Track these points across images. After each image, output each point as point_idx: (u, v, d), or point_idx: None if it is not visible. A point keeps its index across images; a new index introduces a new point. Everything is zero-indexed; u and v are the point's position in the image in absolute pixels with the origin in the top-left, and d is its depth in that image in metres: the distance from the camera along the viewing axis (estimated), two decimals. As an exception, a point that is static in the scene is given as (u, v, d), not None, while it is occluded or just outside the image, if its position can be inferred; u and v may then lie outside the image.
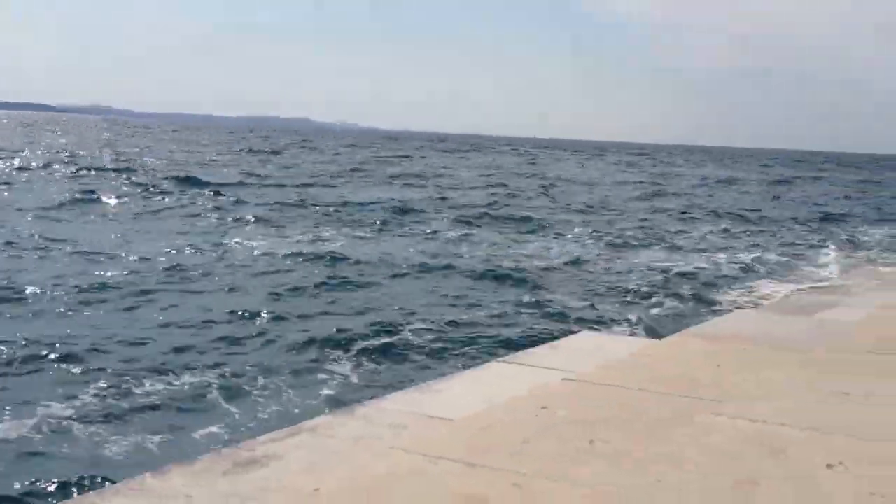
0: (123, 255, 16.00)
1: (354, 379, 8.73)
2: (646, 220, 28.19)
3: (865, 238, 24.77)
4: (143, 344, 9.67)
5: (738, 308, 10.94)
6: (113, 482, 3.88)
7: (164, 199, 26.99)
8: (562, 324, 11.71)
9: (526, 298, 13.68)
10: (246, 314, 11.51)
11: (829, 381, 4.45)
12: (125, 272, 14.10)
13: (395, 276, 15.37)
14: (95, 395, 7.70)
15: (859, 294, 9.20)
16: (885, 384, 4.41)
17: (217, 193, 28.90)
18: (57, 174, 34.30)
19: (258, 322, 11.18)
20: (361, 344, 10.09)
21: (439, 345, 10.24)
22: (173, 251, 16.70)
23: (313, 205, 27.08)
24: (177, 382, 8.28)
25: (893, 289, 9.12)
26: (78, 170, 35.89)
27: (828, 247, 22.29)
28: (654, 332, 10.11)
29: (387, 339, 10.48)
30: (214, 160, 50.77)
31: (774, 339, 6.41)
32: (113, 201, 25.13)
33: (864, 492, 3.02)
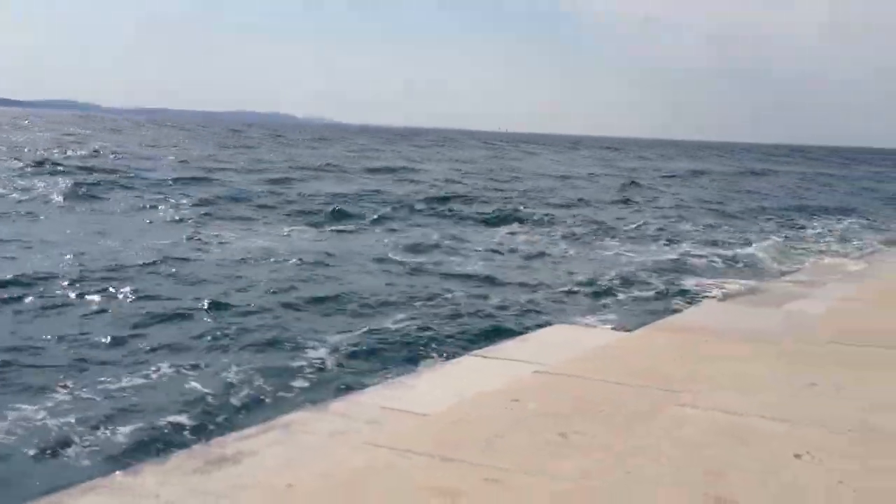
0: (87, 250, 15.85)
1: (328, 374, 8.71)
2: (616, 212, 28.42)
3: (819, 229, 25.11)
4: (116, 340, 9.59)
5: (706, 299, 11.04)
6: (83, 481, 3.84)
7: (125, 194, 26.70)
8: (533, 317, 11.77)
9: (497, 292, 13.73)
10: (219, 309, 11.46)
11: (795, 371, 4.51)
12: (89, 267, 13.97)
13: (366, 271, 15.36)
14: (68, 393, 7.64)
15: (822, 286, 9.32)
16: (849, 374, 4.48)
17: (182, 187, 28.72)
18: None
19: (231, 317, 11.12)
20: (335, 339, 10.08)
21: (412, 340, 10.25)
22: (142, 246, 16.56)
23: (288, 201, 27.02)
24: (149, 379, 8.23)
25: (854, 281, 9.24)
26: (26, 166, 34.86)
27: (785, 237, 22.68)
28: (624, 325, 10.19)
29: (361, 334, 10.48)
30: (177, 152, 50.51)
31: (742, 330, 6.48)
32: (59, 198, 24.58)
33: (832, 481, 3.07)
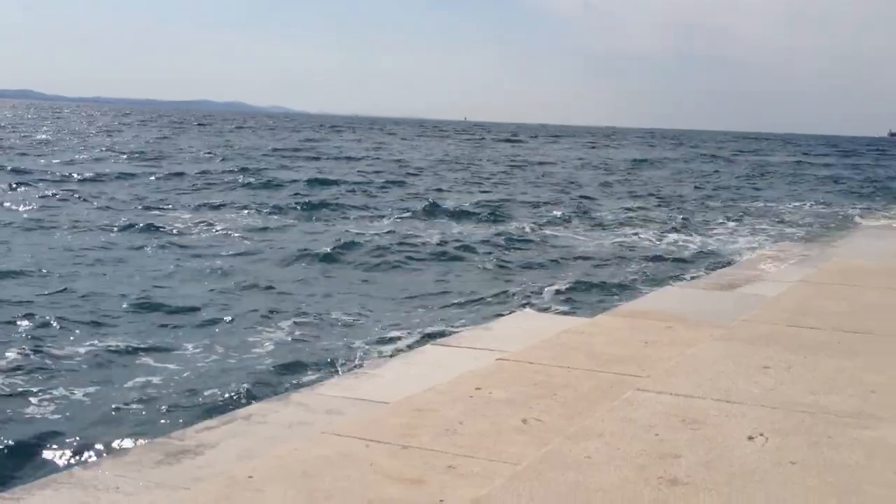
0: (38, 238, 15.70)
1: (288, 364, 8.68)
2: (574, 199, 28.61)
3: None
4: (71, 333, 9.48)
5: (664, 285, 11.16)
6: (42, 476, 3.82)
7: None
8: (496, 305, 11.81)
9: (459, 280, 13.77)
10: (178, 299, 11.38)
11: (749, 355, 4.58)
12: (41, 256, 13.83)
13: (333, 260, 15.32)
14: (25, 390, 7.55)
15: (778, 270, 9.47)
16: (802, 356, 4.56)
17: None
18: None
19: (189, 308, 11.04)
20: (299, 330, 10.05)
21: (376, 328, 10.24)
22: (101, 233, 16.44)
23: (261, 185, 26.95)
24: (107, 373, 8.15)
25: (808, 265, 9.39)
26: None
27: (741, 221, 23.05)
28: (585, 311, 10.27)
29: (326, 321, 10.46)
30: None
31: (699, 314, 6.58)
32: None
33: (783, 461, 3.13)
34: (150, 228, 17.80)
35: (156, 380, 7.96)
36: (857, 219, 21.96)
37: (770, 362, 4.41)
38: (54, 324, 9.74)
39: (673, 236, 19.94)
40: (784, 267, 9.65)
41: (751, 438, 3.34)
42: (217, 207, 22.37)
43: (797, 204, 29.09)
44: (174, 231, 17.81)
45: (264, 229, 18.92)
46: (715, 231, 21.25)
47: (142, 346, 9.07)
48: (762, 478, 2.97)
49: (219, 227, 18.57)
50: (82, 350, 8.84)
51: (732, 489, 2.87)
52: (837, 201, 30.63)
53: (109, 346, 9.02)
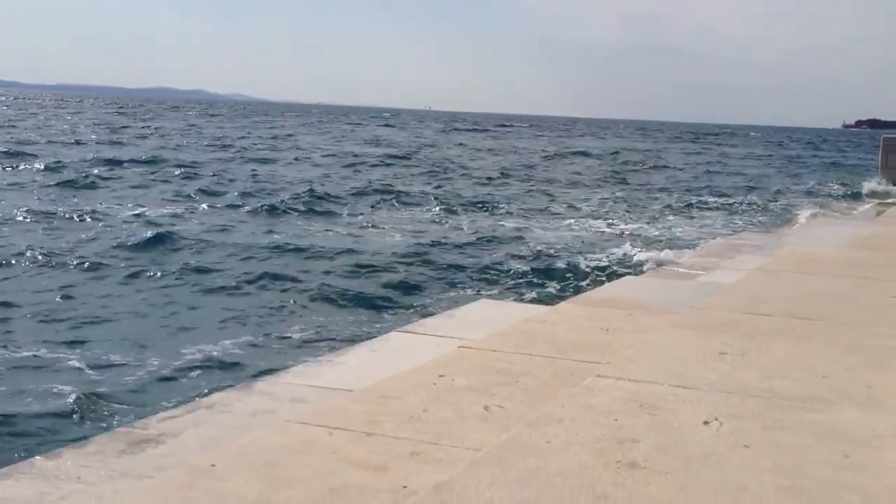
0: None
1: (251, 354, 8.68)
2: (526, 190, 28.80)
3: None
4: (27, 324, 9.39)
5: (624, 274, 11.30)
6: (4, 466, 3.81)
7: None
8: (458, 293, 11.88)
9: (424, 268, 13.81)
10: (140, 289, 11.30)
11: (707, 341, 4.68)
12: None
13: (294, 247, 15.28)
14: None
15: (733, 258, 9.62)
16: (756, 343, 4.67)
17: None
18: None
19: (153, 297, 10.98)
20: (259, 319, 10.03)
21: (340, 317, 10.26)
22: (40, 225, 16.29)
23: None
24: (68, 361, 8.10)
25: (764, 253, 9.56)
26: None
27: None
28: (546, 300, 10.36)
29: (287, 309, 10.45)
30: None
31: (658, 302, 6.68)
32: None
33: (738, 444, 3.21)
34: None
35: (117, 370, 7.92)
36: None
37: (726, 348, 4.51)
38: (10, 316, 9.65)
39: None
40: (740, 255, 9.81)
41: (706, 423, 3.43)
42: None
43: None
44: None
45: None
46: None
47: (103, 337, 9.01)
48: (717, 461, 3.05)
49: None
50: (36, 341, 8.77)
51: (689, 472, 2.95)
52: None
53: (66, 338, 8.95)
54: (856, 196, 25.45)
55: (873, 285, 6.44)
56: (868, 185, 25.15)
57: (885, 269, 7.24)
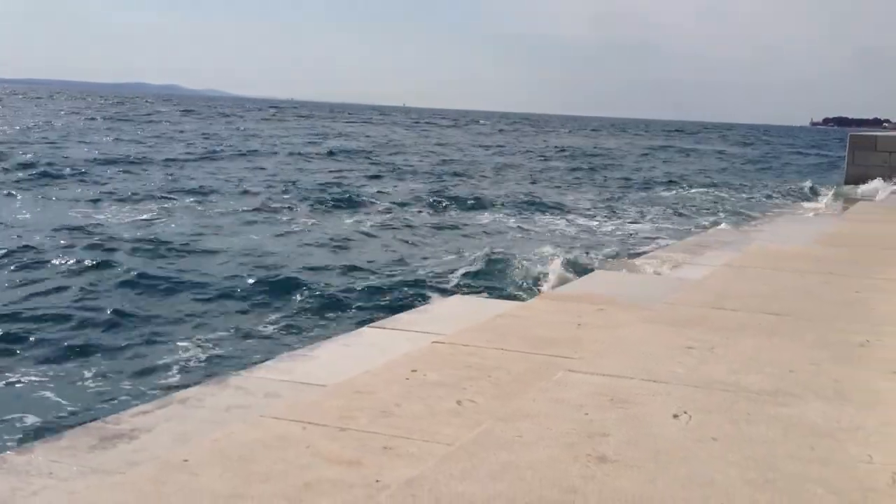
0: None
1: (226, 349, 8.66)
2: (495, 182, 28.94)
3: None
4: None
5: (595, 269, 11.40)
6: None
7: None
8: (431, 289, 11.90)
9: (396, 265, 13.82)
10: (114, 284, 11.23)
11: (676, 336, 4.74)
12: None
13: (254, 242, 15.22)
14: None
15: (703, 254, 9.73)
16: (724, 337, 4.73)
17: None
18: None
19: (126, 292, 10.91)
20: (234, 314, 10.01)
21: (308, 315, 10.25)
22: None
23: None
24: (39, 357, 8.04)
25: (732, 248, 9.67)
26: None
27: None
28: (519, 295, 10.42)
29: (254, 306, 10.42)
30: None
31: (629, 297, 6.75)
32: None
33: (706, 438, 3.27)
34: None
35: (90, 364, 7.87)
36: None
37: (694, 343, 4.57)
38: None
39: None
40: (710, 251, 9.93)
41: (675, 416, 3.48)
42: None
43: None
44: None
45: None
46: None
47: (73, 332, 8.95)
48: (686, 454, 3.10)
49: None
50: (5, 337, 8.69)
51: (658, 465, 3.00)
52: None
53: (34, 334, 8.88)
54: (822, 192, 25.79)
55: (838, 281, 6.54)
56: (834, 182, 25.47)
57: (849, 265, 7.36)
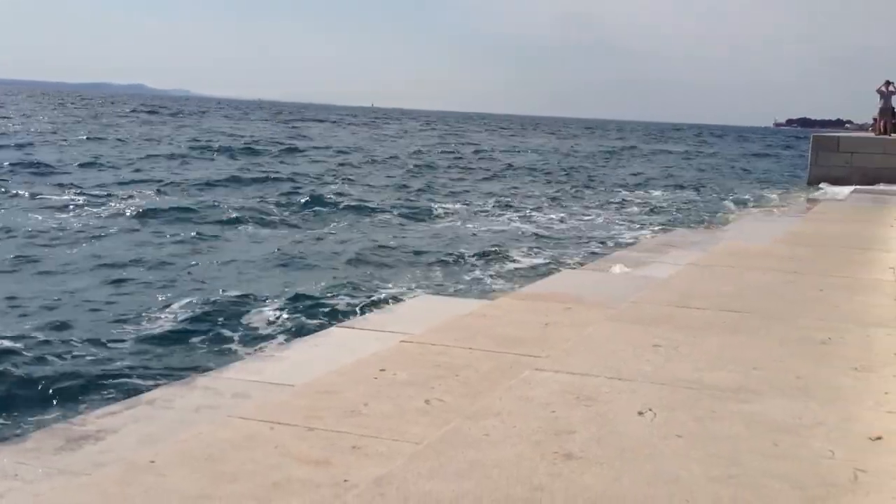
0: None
1: (197, 348, 8.60)
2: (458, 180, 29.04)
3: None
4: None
5: (562, 269, 11.45)
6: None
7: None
8: (398, 288, 11.90)
9: (360, 265, 13.80)
10: (80, 282, 11.12)
11: (642, 334, 4.79)
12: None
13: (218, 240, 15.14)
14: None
15: (669, 253, 9.83)
16: (689, 335, 4.79)
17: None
18: None
19: (92, 290, 10.80)
20: (204, 311, 9.94)
21: (277, 315, 10.21)
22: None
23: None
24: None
25: (698, 248, 9.78)
26: None
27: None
28: (486, 294, 10.45)
29: (228, 308, 10.36)
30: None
31: (596, 296, 6.80)
32: None
33: (670, 435, 3.31)
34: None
35: (53, 364, 7.79)
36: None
37: (660, 341, 4.62)
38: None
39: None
40: (675, 251, 10.03)
41: (640, 414, 3.52)
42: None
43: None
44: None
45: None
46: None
47: (33, 330, 8.86)
48: (651, 451, 3.14)
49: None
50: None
51: (623, 462, 3.04)
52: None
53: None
54: (786, 192, 26.12)
55: (801, 279, 6.64)
56: (796, 182, 25.81)
57: (812, 264, 7.47)
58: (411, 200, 23.65)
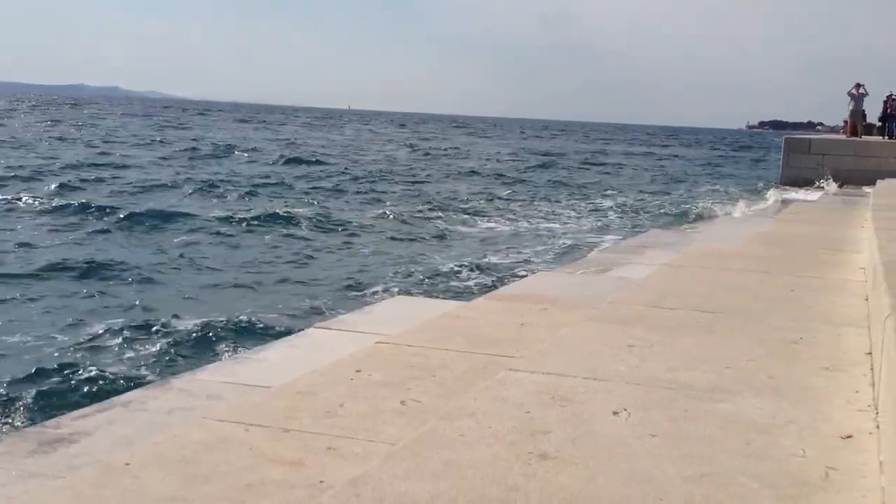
0: None
1: (169, 350, 8.56)
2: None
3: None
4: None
5: (538, 270, 11.48)
6: None
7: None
8: (374, 290, 11.89)
9: (341, 266, 13.77)
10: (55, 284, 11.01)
11: (617, 334, 4.81)
12: None
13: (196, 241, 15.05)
14: None
15: (645, 254, 9.89)
16: (664, 335, 4.82)
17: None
18: None
19: (65, 291, 10.71)
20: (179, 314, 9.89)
21: (253, 317, 10.17)
22: None
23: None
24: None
25: (673, 250, 9.84)
26: None
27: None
28: (462, 295, 10.47)
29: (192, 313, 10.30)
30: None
31: (572, 297, 6.83)
32: None
33: (645, 434, 3.33)
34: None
35: (25, 367, 7.72)
36: None
37: (635, 341, 4.65)
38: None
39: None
40: (650, 251, 10.08)
41: (615, 414, 3.54)
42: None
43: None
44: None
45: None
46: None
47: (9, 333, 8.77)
48: (626, 451, 3.16)
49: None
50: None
51: (598, 462, 3.05)
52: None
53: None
54: (760, 193, 26.36)
55: (774, 280, 6.70)
56: (771, 183, 26.08)
57: (784, 264, 7.53)
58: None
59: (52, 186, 23.47)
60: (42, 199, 20.62)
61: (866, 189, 18.57)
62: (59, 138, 44.75)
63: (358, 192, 28.29)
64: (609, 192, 31.07)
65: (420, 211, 22.95)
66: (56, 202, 20.54)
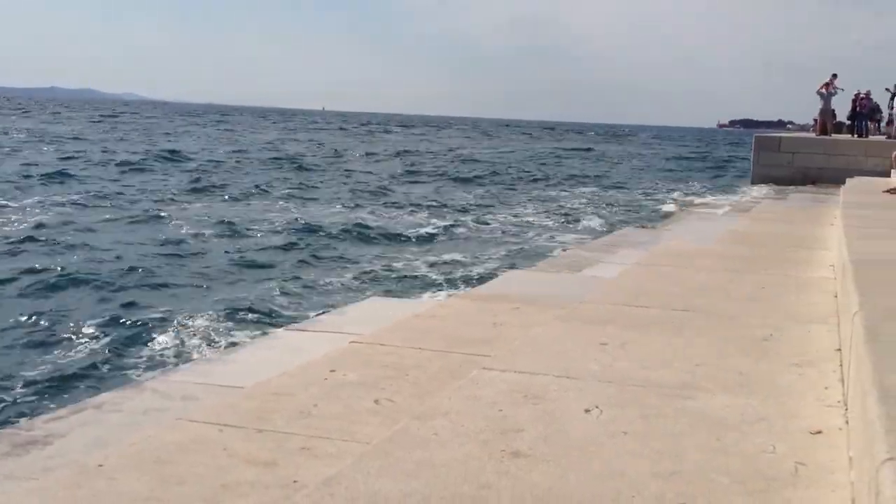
0: None
1: (144, 353, 8.51)
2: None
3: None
4: None
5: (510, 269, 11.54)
6: None
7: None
8: (351, 291, 11.90)
9: (314, 268, 13.75)
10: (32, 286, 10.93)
11: (589, 333, 4.85)
12: None
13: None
14: None
15: (616, 253, 9.96)
16: (635, 334, 4.86)
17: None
18: None
19: (41, 294, 10.62)
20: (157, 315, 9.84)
21: (230, 320, 10.14)
22: None
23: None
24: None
25: (644, 249, 9.91)
26: None
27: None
28: (437, 294, 10.49)
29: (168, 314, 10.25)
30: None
31: (544, 296, 6.87)
32: None
33: (617, 431, 3.37)
34: None
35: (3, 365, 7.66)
36: None
37: (607, 340, 4.69)
38: None
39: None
40: (622, 250, 10.15)
41: (587, 411, 3.57)
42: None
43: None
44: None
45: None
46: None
47: None
48: (597, 448, 3.20)
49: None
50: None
51: (570, 459, 3.08)
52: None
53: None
54: (730, 191, 26.59)
55: (743, 278, 6.77)
56: (741, 182, 26.33)
57: (754, 263, 7.62)
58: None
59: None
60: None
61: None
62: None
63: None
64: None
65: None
66: None
